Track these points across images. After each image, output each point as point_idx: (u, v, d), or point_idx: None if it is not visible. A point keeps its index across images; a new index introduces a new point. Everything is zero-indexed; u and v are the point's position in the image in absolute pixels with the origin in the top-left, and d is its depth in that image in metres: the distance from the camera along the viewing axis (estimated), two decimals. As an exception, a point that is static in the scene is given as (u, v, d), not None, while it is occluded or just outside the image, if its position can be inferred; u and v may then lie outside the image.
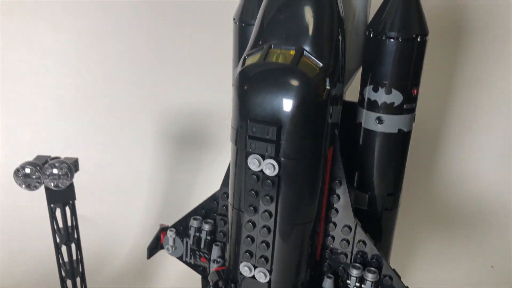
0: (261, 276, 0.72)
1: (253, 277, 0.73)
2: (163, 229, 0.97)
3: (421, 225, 1.35)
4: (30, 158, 0.88)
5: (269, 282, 0.72)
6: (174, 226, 0.94)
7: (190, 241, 0.90)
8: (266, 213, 0.68)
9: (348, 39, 0.75)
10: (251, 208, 0.69)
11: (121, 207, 1.36)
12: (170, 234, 0.94)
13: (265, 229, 0.69)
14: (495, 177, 1.36)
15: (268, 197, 0.67)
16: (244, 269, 0.73)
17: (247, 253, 0.72)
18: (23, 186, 0.82)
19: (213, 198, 0.89)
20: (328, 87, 0.65)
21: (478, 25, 1.31)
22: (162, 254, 1.00)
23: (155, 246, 0.98)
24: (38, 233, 1.13)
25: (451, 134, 1.37)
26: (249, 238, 0.71)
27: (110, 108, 1.35)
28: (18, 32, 1.35)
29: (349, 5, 0.75)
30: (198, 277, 0.99)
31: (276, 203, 0.68)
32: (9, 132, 1.42)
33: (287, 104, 0.63)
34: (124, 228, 1.33)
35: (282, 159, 0.66)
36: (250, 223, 0.70)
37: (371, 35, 0.75)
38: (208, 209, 0.91)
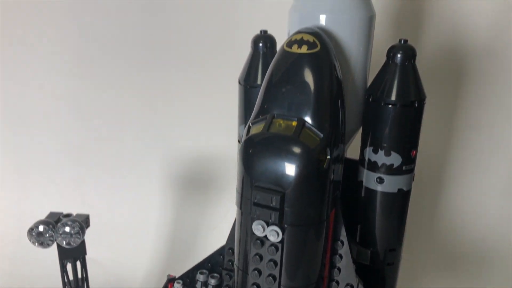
0: (266, 337, 0.74)
1: (258, 337, 0.75)
2: (170, 280, 0.99)
3: (426, 269, 1.36)
4: (41, 210, 0.92)
5: None
6: (181, 278, 0.96)
7: (197, 294, 0.92)
8: (270, 277, 0.70)
9: (348, 102, 0.79)
10: (256, 272, 0.71)
11: (129, 250, 1.38)
12: (177, 286, 0.96)
13: (269, 291, 0.71)
14: (495, 217, 1.37)
15: (272, 262, 0.69)
16: (251, 328, 0.75)
17: (253, 313, 0.74)
18: (36, 244, 0.85)
19: (219, 252, 0.92)
20: (329, 157, 0.68)
21: (478, 68, 1.35)
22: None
23: (163, 296, 1.00)
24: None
25: (452, 175, 1.40)
26: (254, 300, 0.73)
27: (118, 151, 1.39)
28: (31, 79, 1.41)
29: (348, 69, 0.79)
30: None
31: (280, 268, 0.70)
32: (20, 174, 1.46)
33: (290, 174, 0.66)
34: (132, 271, 1.35)
35: (286, 225, 0.68)
36: (255, 286, 0.72)
37: (370, 99, 0.79)
38: (214, 263, 0.93)
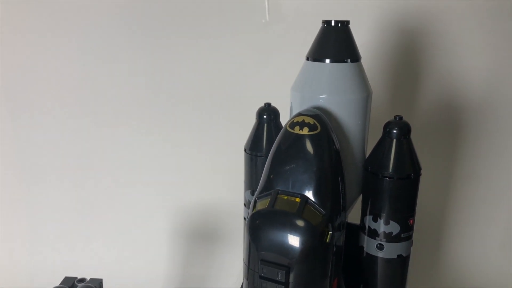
0: None
1: None
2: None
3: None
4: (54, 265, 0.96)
5: None
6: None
7: None
8: None
9: (348, 172, 0.84)
10: None
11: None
12: None
13: None
14: (496, 268, 1.40)
15: (279, 335, 0.73)
16: None
17: None
18: (54, 310, 0.89)
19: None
20: (331, 232, 0.73)
21: (474, 122, 1.40)
22: None
23: None
24: None
25: (452, 226, 1.43)
26: None
27: (128, 207, 1.44)
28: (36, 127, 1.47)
29: (347, 143, 0.84)
30: None
31: None
32: (32, 229, 1.52)
33: (294, 249, 0.71)
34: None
35: (291, 297, 0.72)
36: None
37: (369, 170, 0.84)
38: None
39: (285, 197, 0.75)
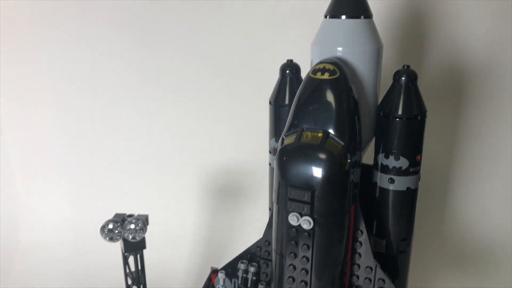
0: (302, 308, 0.90)
1: (295, 309, 0.91)
2: (214, 271, 1.15)
3: (435, 263, 1.51)
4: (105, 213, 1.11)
5: (308, 312, 0.90)
6: (223, 268, 1.13)
7: (239, 281, 1.08)
8: (304, 258, 0.87)
9: (363, 117, 0.96)
10: (292, 254, 0.88)
11: (169, 253, 1.55)
12: (221, 275, 1.12)
13: (303, 271, 0.88)
14: (499, 219, 1.52)
15: (305, 246, 0.86)
16: (287, 303, 0.91)
17: (290, 289, 0.90)
18: (107, 238, 1.03)
19: (256, 245, 1.09)
20: (349, 160, 0.85)
21: (477, 83, 1.51)
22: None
23: (208, 285, 1.17)
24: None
25: (457, 180, 1.55)
26: (290, 278, 0.90)
27: (161, 166, 1.58)
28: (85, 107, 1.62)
29: (362, 90, 0.96)
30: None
31: (311, 250, 0.87)
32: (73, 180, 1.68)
33: (318, 175, 0.83)
34: (173, 270, 1.52)
35: (316, 216, 0.85)
36: (291, 266, 0.89)
37: (381, 115, 0.96)
38: (253, 254, 1.10)
39: (309, 133, 0.87)
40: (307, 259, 0.87)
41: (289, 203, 0.86)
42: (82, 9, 1.49)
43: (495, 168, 1.56)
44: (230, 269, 1.12)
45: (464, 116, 1.52)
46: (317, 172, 0.84)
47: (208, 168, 1.58)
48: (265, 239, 1.06)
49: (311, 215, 0.85)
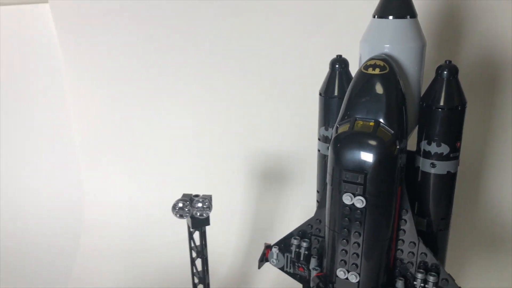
0: (353, 278, 1.02)
1: (347, 279, 1.03)
2: (268, 247, 1.28)
3: (470, 242, 1.61)
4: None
5: (358, 282, 1.02)
6: (277, 243, 1.26)
7: (292, 255, 1.21)
8: (357, 233, 0.98)
9: (408, 108, 1.06)
10: (345, 230, 1.00)
11: (218, 233, 1.69)
12: (274, 250, 1.25)
13: (356, 244, 0.99)
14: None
15: (358, 222, 0.98)
16: (340, 273, 1.03)
17: (343, 261, 1.02)
18: (177, 216, 1.17)
19: (308, 223, 1.21)
20: (398, 147, 0.96)
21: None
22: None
23: (262, 260, 1.30)
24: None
25: (493, 167, 1.64)
26: (344, 251, 1.01)
27: (210, 151, 1.72)
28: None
29: (408, 84, 1.06)
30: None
31: (363, 226, 0.98)
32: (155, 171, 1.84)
33: (370, 160, 0.95)
34: (223, 249, 1.66)
35: (367, 196, 0.96)
36: (345, 240, 1.01)
37: (424, 105, 1.06)
38: (304, 231, 1.22)
39: (361, 122, 0.99)
40: (359, 234, 0.99)
41: (343, 185, 0.98)
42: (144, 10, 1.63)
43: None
44: (283, 244, 1.25)
45: (499, 107, 1.60)
46: (370, 157, 0.95)
47: (255, 153, 1.71)
48: (316, 218, 1.17)
49: (363, 195, 0.96)
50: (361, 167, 0.96)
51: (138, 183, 1.79)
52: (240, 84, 1.67)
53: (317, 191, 1.32)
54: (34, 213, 1.74)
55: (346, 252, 1.02)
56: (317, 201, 1.34)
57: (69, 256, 1.64)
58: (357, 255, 1.01)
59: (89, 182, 1.79)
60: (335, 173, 1.00)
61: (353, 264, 1.01)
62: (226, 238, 1.68)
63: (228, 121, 1.71)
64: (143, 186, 1.78)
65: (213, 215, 1.65)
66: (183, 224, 1.56)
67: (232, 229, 1.71)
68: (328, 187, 1.04)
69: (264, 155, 1.72)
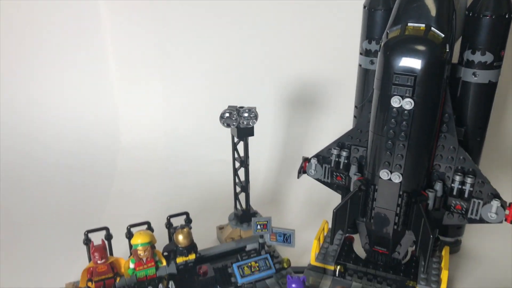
0: (396, 178, 1.08)
1: (390, 179, 1.09)
2: (306, 159, 1.34)
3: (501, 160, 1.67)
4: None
5: (400, 182, 1.09)
6: (315, 156, 1.32)
7: (332, 164, 1.27)
8: (403, 134, 1.03)
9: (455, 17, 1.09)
10: (392, 131, 1.05)
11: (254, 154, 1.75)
12: (313, 161, 1.31)
13: (401, 145, 1.05)
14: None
15: (405, 123, 1.02)
16: (383, 174, 1.09)
17: (386, 163, 1.08)
18: (225, 125, 1.22)
19: (348, 134, 1.26)
20: (447, 50, 0.99)
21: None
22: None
23: (300, 171, 1.36)
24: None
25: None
26: (389, 152, 1.07)
27: (242, 78, 1.75)
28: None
29: (454, -7, 1.09)
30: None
31: (409, 128, 1.03)
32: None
33: (421, 62, 0.98)
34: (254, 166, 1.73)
35: (415, 98, 1.01)
36: (390, 142, 1.06)
37: (470, 14, 1.08)
38: (343, 144, 1.27)
39: (412, 27, 1.01)
40: (406, 135, 1.04)
41: (393, 88, 1.02)
42: None
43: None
44: (321, 156, 1.31)
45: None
46: (421, 59, 0.98)
47: (285, 80, 1.74)
48: (358, 129, 1.22)
49: (412, 97, 1.01)
50: (411, 69, 0.99)
51: (172, 106, 1.83)
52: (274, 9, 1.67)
53: (355, 107, 1.37)
54: (74, 137, 1.79)
55: (391, 154, 1.07)
56: (354, 116, 1.39)
57: (107, 177, 1.71)
58: (402, 156, 1.06)
59: (124, 105, 1.83)
60: (385, 77, 1.03)
61: (397, 165, 1.07)
62: (258, 157, 1.74)
63: (262, 47, 1.74)
64: (177, 109, 1.83)
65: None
66: (218, 145, 1.62)
67: (264, 148, 1.78)
68: (375, 92, 1.08)
69: (294, 81, 1.75)
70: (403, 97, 1.01)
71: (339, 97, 1.67)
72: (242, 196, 1.40)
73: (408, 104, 1.01)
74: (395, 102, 1.02)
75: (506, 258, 1.36)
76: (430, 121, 1.04)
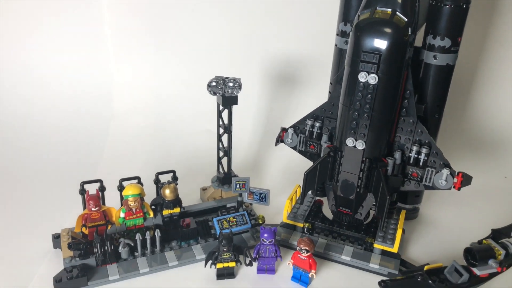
0: (360, 145, 1.22)
1: (354, 146, 1.23)
2: (284, 129, 1.48)
3: (455, 145, 1.84)
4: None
5: (364, 149, 1.23)
6: (292, 126, 1.45)
7: (306, 134, 1.41)
8: (368, 105, 1.17)
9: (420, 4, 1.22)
10: (358, 103, 1.18)
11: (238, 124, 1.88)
12: (290, 130, 1.44)
13: (366, 116, 1.19)
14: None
15: (370, 96, 1.16)
16: (349, 141, 1.23)
17: (352, 132, 1.22)
18: (211, 92, 1.34)
19: (322, 107, 1.39)
20: (410, 33, 1.13)
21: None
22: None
23: (278, 140, 1.49)
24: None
25: (483, 80, 1.83)
26: (355, 122, 1.21)
27: (230, 55, 1.88)
28: None
29: (420, -17, 1.22)
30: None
31: (373, 100, 1.17)
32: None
33: (386, 42, 1.11)
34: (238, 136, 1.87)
35: (379, 74, 1.14)
36: (356, 113, 1.20)
37: (433, 3, 1.22)
38: (317, 116, 1.40)
39: (380, 11, 1.14)
40: (370, 107, 1.18)
41: (361, 64, 1.15)
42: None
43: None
44: (298, 127, 1.44)
45: (495, 27, 1.76)
46: (386, 39, 1.11)
47: (270, 57, 1.87)
48: (330, 102, 1.36)
49: (376, 73, 1.14)
50: (377, 48, 1.13)
51: (164, 75, 1.95)
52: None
53: (330, 83, 1.51)
54: (70, 101, 1.90)
55: (357, 123, 1.21)
56: (329, 92, 1.53)
57: (100, 142, 1.83)
58: (366, 126, 1.20)
59: (118, 73, 1.94)
60: (354, 54, 1.17)
61: (361, 133, 1.21)
62: (242, 128, 1.88)
63: (250, 26, 1.87)
64: (169, 79, 1.95)
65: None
66: (206, 116, 1.74)
67: (248, 121, 1.92)
68: (346, 69, 1.21)
69: (278, 57, 1.88)
70: (369, 73, 1.15)
71: (318, 75, 1.80)
72: (225, 161, 1.53)
73: (373, 79, 1.15)
74: (362, 77, 1.16)
75: (457, 224, 1.52)
76: (391, 95, 1.18)
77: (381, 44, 1.12)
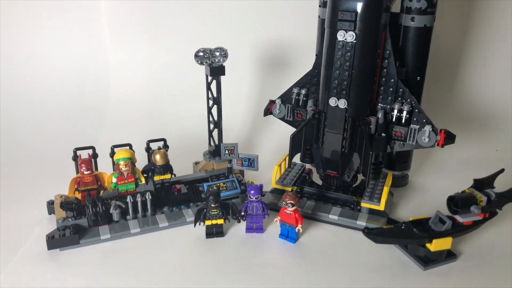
0: (342, 104, 1.26)
1: (337, 106, 1.27)
2: (272, 101, 1.52)
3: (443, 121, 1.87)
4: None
5: (346, 108, 1.26)
6: (280, 97, 1.49)
7: (292, 102, 1.45)
8: (348, 63, 1.21)
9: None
10: (338, 62, 1.23)
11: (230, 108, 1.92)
12: (278, 101, 1.48)
13: (346, 74, 1.23)
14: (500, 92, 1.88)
15: (349, 54, 1.21)
16: (332, 101, 1.27)
17: (334, 91, 1.26)
18: (199, 62, 1.40)
19: (307, 75, 1.44)
20: (384, -4, 1.18)
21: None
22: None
23: (266, 112, 1.53)
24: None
25: (466, 62, 1.88)
26: (336, 81, 1.25)
27: (223, 38, 1.94)
28: None
29: (395, -50, 1.28)
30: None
31: (353, 58, 1.21)
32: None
33: (361, 2, 1.17)
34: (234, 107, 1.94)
35: (357, 32, 1.19)
36: (338, 71, 1.24)
37: (409, -32, 1.28)
38: (304, 84, 1.45)
39: (356, -27, 1.20)
40: (350, 65, 1.22)
41: (339, 23, 1.20)
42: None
43: (499, 48, 1.88)
44: (285, 97, 1.48)
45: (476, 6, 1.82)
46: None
47: (260, 42, 1.94)
48: (315, 69, 1.40)
49: (354, 31, 1.19)
50: (353, 7, 1.18)
51: (159, 62, 2.02)
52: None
53: (316, 55, 1.55)
54: (67, 87, 1.97)
55: (338, 83, 1.25)
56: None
57: (96, 127, 1.89)
58: (347, 84, 1.24)
59: (115, 61, 2.01)
60: (333, 14, 1.21)
61: (343, 92, 1.25)
62: (236, 111, 1.95)
63: (239, 13, 1.95)
64: (163, 66, 2.01)
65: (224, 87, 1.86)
66: (198, 100, 1.79)
67: (240, 100, 1.99)
68: (326, 31, 1.26)
69: (268, 42, 1.94)
70: (347, 31, 1.20)
71: (306, 52, 1.86)
72: (216, 136, 1.57)
73: (350, 36, 1.19)
74: (340, 35, 1.21)
75: (446, 191, 1.53)
76: (370, 52, 1.22)
77: (356, 3, 1.17)
